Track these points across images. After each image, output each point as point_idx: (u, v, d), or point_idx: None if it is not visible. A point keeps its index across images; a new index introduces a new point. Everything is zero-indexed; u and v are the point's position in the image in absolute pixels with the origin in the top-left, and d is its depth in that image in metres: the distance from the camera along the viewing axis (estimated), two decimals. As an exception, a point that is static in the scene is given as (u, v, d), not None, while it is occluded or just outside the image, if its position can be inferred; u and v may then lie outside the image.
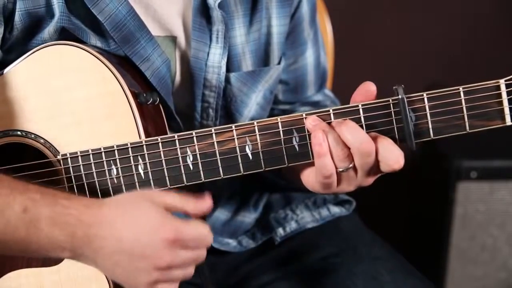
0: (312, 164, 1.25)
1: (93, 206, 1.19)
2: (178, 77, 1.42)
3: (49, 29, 1.29)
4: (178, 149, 1.27)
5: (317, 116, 1.24)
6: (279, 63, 1.51)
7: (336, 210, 1.56)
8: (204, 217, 1.46)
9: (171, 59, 1.39)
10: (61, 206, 1.18)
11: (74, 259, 1.21)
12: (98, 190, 1.28)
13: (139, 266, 1.17)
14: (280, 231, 1.52)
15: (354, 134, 1.21)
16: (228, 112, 1.46)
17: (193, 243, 1.19)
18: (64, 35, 1.30)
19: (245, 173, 1.27)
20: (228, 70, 1.44)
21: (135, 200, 1.20)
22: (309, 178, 1.28)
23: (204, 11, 1.39)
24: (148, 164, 1.27)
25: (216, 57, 1.41)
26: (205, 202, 1.21)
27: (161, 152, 1.26)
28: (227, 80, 1.44)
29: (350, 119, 1.23)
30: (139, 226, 1.17)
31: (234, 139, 1.26)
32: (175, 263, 1.18)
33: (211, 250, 1.49)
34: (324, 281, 1.42)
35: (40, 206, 1.18)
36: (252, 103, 1.47)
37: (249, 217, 1.55)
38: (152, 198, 1.19)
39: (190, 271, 1.21)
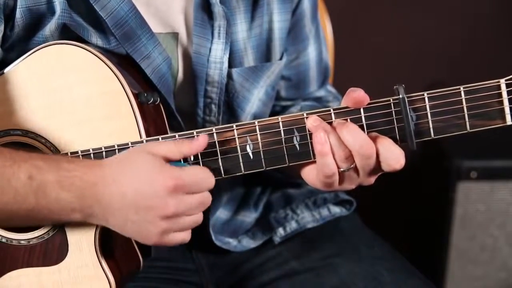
0: (313, 161, 1.25)
1: (95, 166, 1.21)
2: (180, 74, 1.42)
3: (50, 26, 1.29)
4: (179, 148, 1.27)
5: (318, 116, 1.24)
6: (281, 58, 1.51)
7: (336, 210, 1.56)
8: (206, 216, 1.46)
9: (173, 56, 1.39)
10: (64, 170, 1.20)
11: (84, 220, 1.22)
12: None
13: (146, 218, 1.19)
14: (280, 231, 1.52)
15: (355, 136, 1.21)
16: (230, 108, 1.46)
17: (195, 186, 1.20)
18: (65, 32, 1.30)
19: (246, 172, 1.27)
20: (230, 65, 1.43)
21: (134, 155, 1.21)
22: (310, 175, 1.28)
23: (205, 7, 1.39)
24: (148, 163, 1.27)
25: (218, 53, 1.41)
26: (199, 140, 1.22)
27: (162, 151, 1.26)
28: (229, 75, 1.44)
29: (351, 119, 1.23)
30: (139, 179, 1.19)
31: (235, 138, 1.26)
32: (180, 209, 1.19)
33: (212, 250, 1.49)
34: (324, 281, 1.42)
35: (44, 172, 1.20)
36: (254, 98, 1.47)
37: (249, 217, 1.55)
38: (150, 150, 1.21)
39: (198, 216, 1.22)
